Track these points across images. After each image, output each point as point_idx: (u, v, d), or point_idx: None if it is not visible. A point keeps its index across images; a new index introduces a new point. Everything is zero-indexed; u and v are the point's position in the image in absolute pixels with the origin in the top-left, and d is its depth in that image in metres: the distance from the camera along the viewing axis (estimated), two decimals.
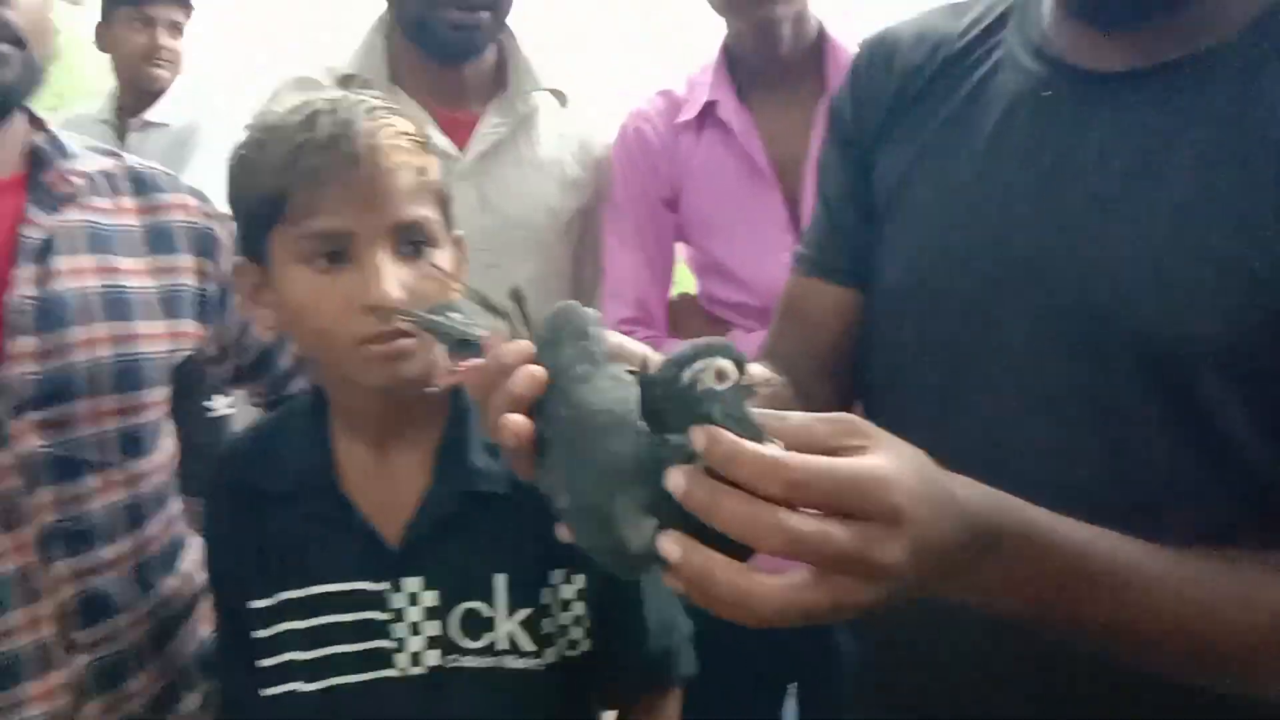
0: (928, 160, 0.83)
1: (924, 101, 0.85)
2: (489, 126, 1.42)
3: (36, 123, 1.04)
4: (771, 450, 0.48)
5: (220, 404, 2.19)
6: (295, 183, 0.84)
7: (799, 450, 0.49)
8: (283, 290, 0.89)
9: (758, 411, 0.51)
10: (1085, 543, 0.60)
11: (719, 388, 0.51)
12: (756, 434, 0.50)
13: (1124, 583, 0.61)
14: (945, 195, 0.81)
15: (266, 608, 0.94)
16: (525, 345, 0.61)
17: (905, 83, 0.86)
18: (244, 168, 0.90)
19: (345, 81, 1.39)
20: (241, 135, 0.92)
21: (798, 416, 0.52)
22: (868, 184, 0.88)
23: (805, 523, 0.47)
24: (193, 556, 1.14)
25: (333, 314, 0.86)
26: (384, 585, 0.91)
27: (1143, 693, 0.68)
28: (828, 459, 0.49)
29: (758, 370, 0.52)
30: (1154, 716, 0.70)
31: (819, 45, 1.41)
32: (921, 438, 0.64)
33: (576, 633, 0.95)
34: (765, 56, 1.39)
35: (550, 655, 0.93)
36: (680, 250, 1.53)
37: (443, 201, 0.92)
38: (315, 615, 0.92)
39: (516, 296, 0.67)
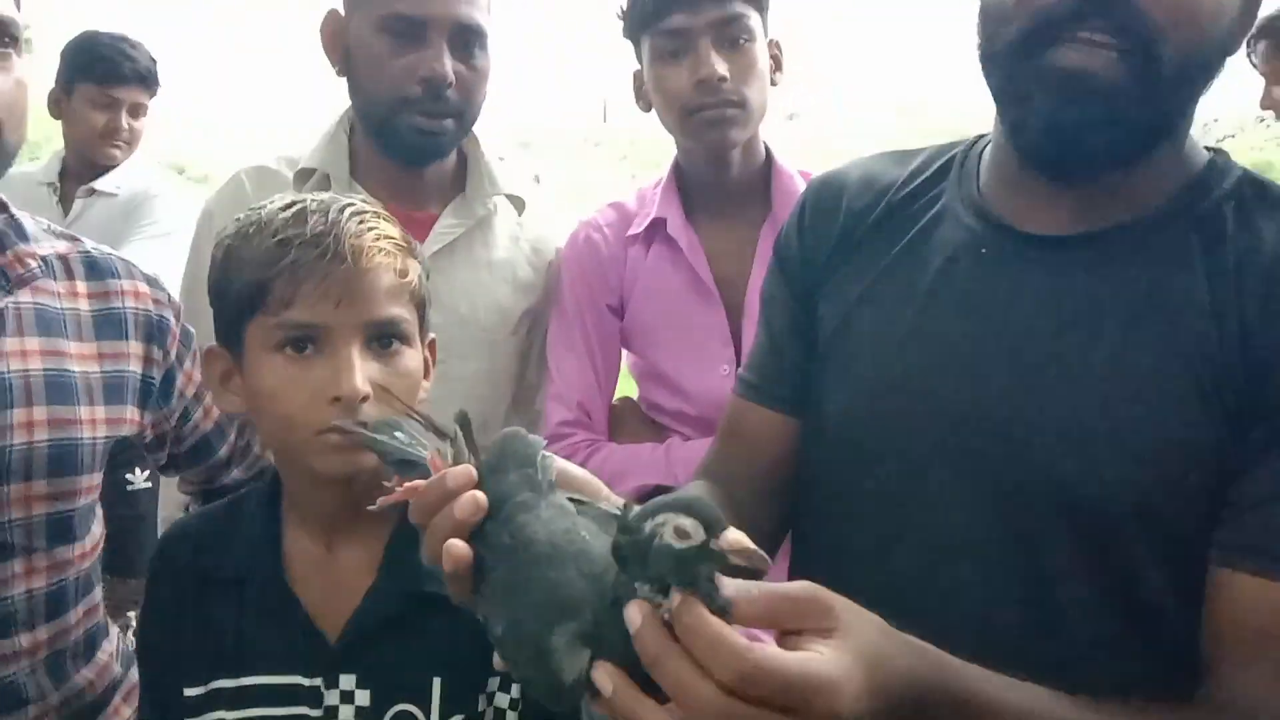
0: (867, 306, 0.87)
1: (867, 246, 0.89)
2: (445, 226, 1.45)
3: None
4: (734, 638, 0.50)
5: (139, 478, 2.15)
6: (277, 275, 0.88)
7: (760, 625, 0.52)
8: (254, 377, 0.92)
9: (729, 582, 0.53)
10: (998, 695, 0.62)
11: (677, 545, 0.52)
12: (723, 605, 0.52)
13: None
14: (881, 343, 0.84)
15: (199, 695, 0.93)
16: (468, 470, 0.64)
17: (850, 225, 0.90)
18: (229, 257, 0.93)
19: (303, 175, 1.42)
20: (229, 228, 0.95)
21: (764, 592, 0.53)
22: (811, 318, 0.92)
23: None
24: (110, 647, 1.12)
25: (300, 402, 0.89)
26: (318, 681, 0.91)
27: None
28: (782, 657, 0.51)
29: (734, 537, 0.52)
30: None
31: (766, 170, 1.48)
32: (852, 573, 0.68)
33: None
34: (715, 178, 1.45)
35: None
36: (623, 356, 1.57)
37: (420, 304, 0.96)
38: (247, 706, 0.92)
39: (463, 421, 0.71)
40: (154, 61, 2.51)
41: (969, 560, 0.77)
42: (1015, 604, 0.75)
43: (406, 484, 0.71)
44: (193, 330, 1.19)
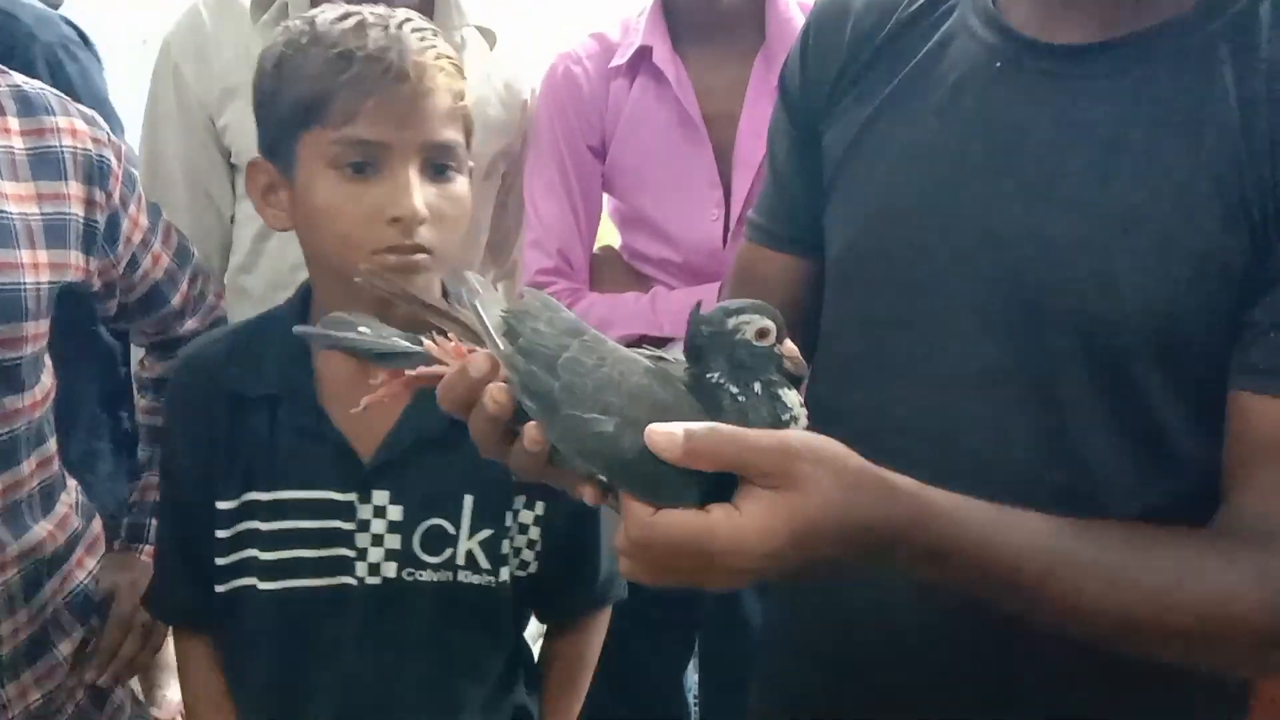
0: (877, 128, 0.81)
1: (875, 68, 0.83)
2: None
3: None
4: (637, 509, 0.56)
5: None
6: (339, 88, 0.86)
7: (723, 468, 0.55)
8: (307, 192, 0.90)
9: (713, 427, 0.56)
10: (985, 537, 0.61)
11: (758, 343, 0.58)
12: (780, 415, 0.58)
13: (1040, 569, 0.62)
14: (892, 165, 0.80)
15: (232, 508, 0.93)
16: (487, 357, 0.60)
17: (856, 49, 0.84)
18: (283, 68, 0.90)
19: (262, 5, 1.30)
20: (278, 37, 0.91)
21: (735, 442, 0.55)
22: (816, 152, 0.87)
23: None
24: (69, 499, 1.08)
25: (356, 220, 0.87)
26: (352, 496, 0.92)
27: (1062, 651, 0.68)
28: (672, 523, 0.55)
29: (790, 345, 0.59)
30: (1071, 673, 0.71)
31: None
32: (860, 405, 0.65)
33: (528, 555, 0.98)
34: (705, 4, 1.35)
35: (503, 574, 0.95)
36: (604, 203, 1.49)
37: (468, 129, 0.94)
38: (280, 519, 0.93)
39: (446, 309, 0.65)
40: None
41: (977, 391, 0.73)
42: (1027, 436, 0.71)
43: (416, 373, 0.65)
44: (136, 173, 1.10)
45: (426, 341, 0.65)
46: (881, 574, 0.63)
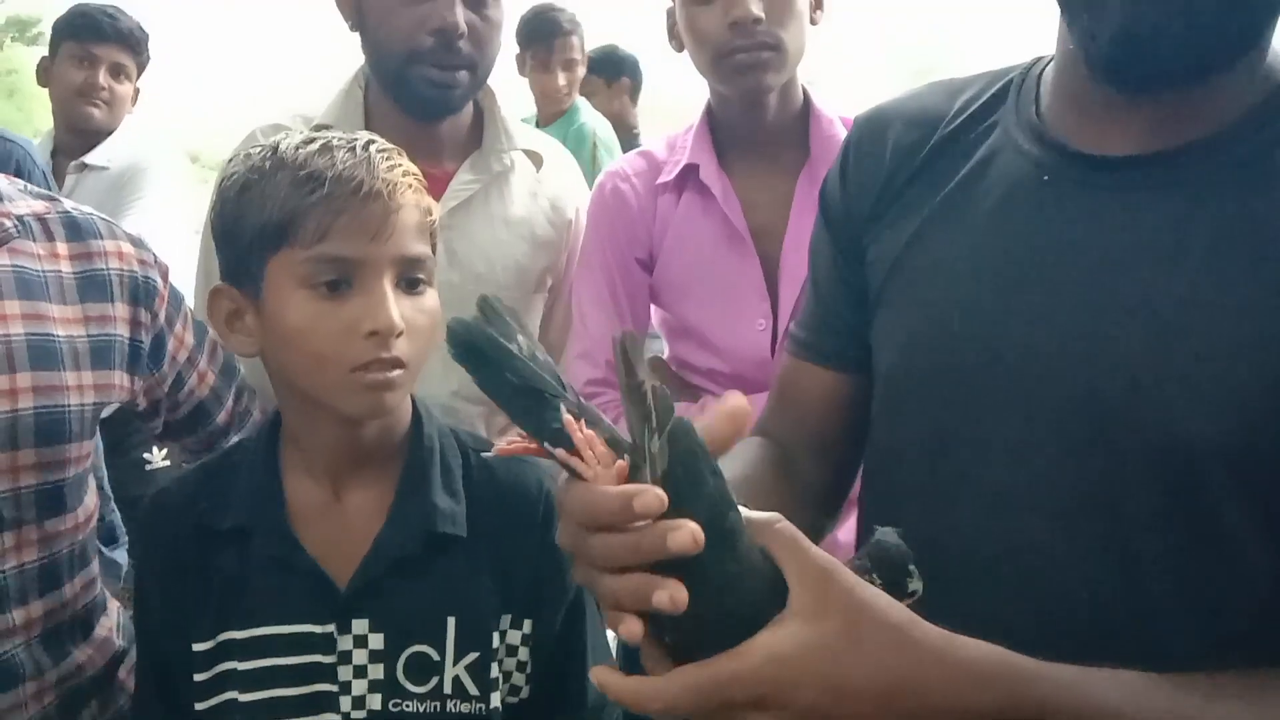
0: (923, 244, 0.81)
1: (918, 183, 0.83)
2: (461, 183, 1.41)
3: None
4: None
5: (156, 457, 2.11)
6: (310, 208, 0.87)
7: None
8: (278, 314, 0.89)
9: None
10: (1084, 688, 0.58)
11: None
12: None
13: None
14: (940, 280, 0.79)
15: (208, 649, 0.91)
16: (661, 497, 0.52)
17: (899, 164, 0.85)
18: (247, 194, 0.90)
19: (319, 131, 1.36)
20: (237, 165, 0.92)
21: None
22: (859, 267, 0.86)
23: None
24: (109, 622, 1.07)
25: (332, 337, 0.87)
26: (330, 627, 0.90)
27: None
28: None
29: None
30: None
31: (804, 114, 1.40)
32: (915, 531, 0.64)
33: (519, 678, 0.95)
34: (749, 123, 1.38)
35: (494, 700, 0.92)
36: (658, 318, 1.50)
37: (434, 244, 0.95)
38: (259, 657, 0.90)
39: (663, 405, 0.54)
40: (141, 29, 2.47)
41: (1038, 511, 0.71)
42: (1089, 557, 0.69)
43: (556, 450, 0.56)
44: (182, 293, 1.13)
45: (567, 417, 0.55)
46: None
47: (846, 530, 1.00)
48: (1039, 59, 0.84)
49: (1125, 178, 0.72)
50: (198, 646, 0.91)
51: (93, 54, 2.39)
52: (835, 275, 0.90)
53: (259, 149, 0.92)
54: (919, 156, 0.84)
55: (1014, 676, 0.57)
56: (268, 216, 0.88)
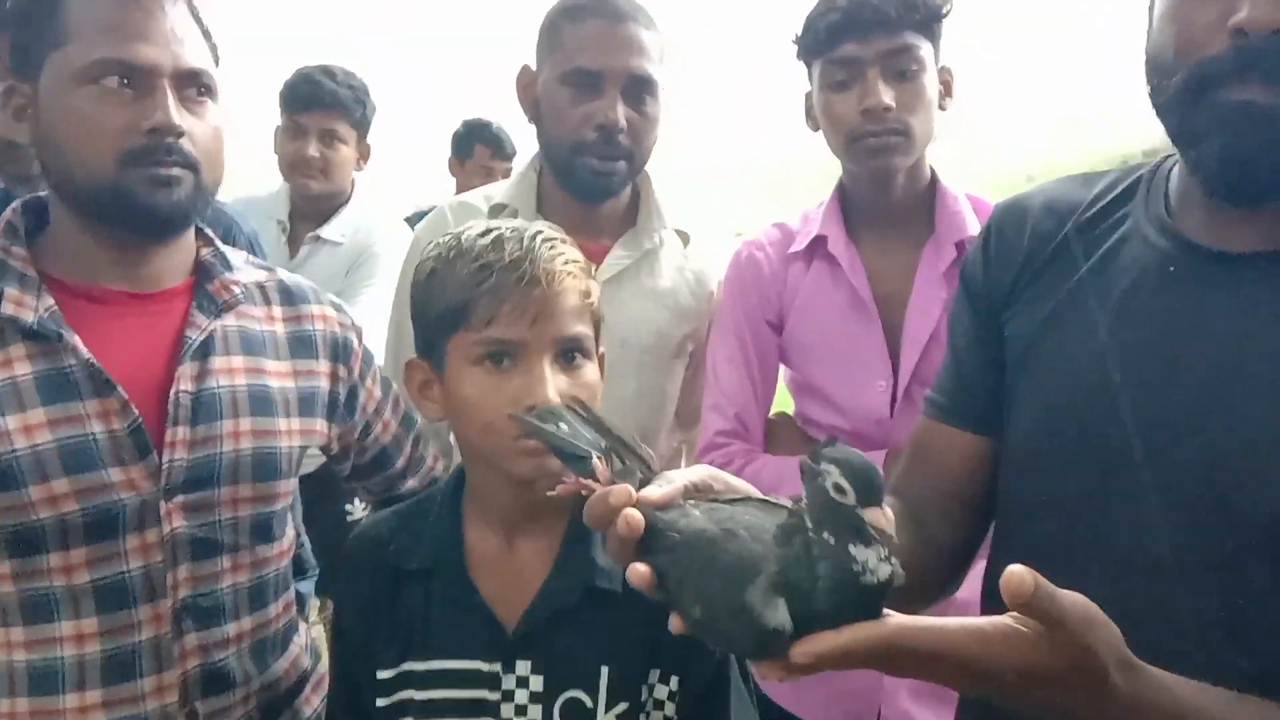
0: (1059, 323, 0.87)
1: (1053, 268, 0.90)
2: (616, 257, 1.55)
3: (204, 237, 1.15)
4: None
5: (358, 509, 2.26)
6: (480, 296, 0.96)
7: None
8: (456, 387, 0.99)
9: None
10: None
11: (834, 496, 0.61)
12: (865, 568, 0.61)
13: None
14: (1075, 358, 0.85)
15: (391, 677, 1.00)
16: (627, 490, 0.70)
17: (1036, 248, 0.91)
18: (432, 278, 1.01)
19: (497, 210, 1.55)
20: (429, 251, 1.03)
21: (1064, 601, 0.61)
22: (998, 339, 0.93)
23: None
24: (300, 641, 1.20)
25: (498, 410, 0.95)
26: (497, 666, 0.97)
27: None
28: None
29: (875, 514, 0.60)
30: None
31: (930, 191, 1.48)
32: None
33: None
34: (877, 199, 1.46)
35: None
36: (781, 373, 1.59)
37: (596, 322, 1.03)
38: (434, 688, 0.99)
39: (620, 439, 0.78)
40: (354, 87, 2.39)
41: (1161, 575, 0.76)
42: (1208, 621, 0.74)
43: (580, 480, 0.78)
44: (373, 353, 1.27)
45: (595, 460, 0.77)
46: None
47: (968, 589, 1.03)
48: (1167, 157, 0.90)
49: (1246, 273, 0.78)
50: (382, 674, 1.00)
51: (300, 124, 2.34)
52: (976, 345, 0.96)
53: (446, 238, 1.03)
54: (1055, 242, 0.91)
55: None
56: (447, 302, 0.98)
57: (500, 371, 0.98)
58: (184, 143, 1.02)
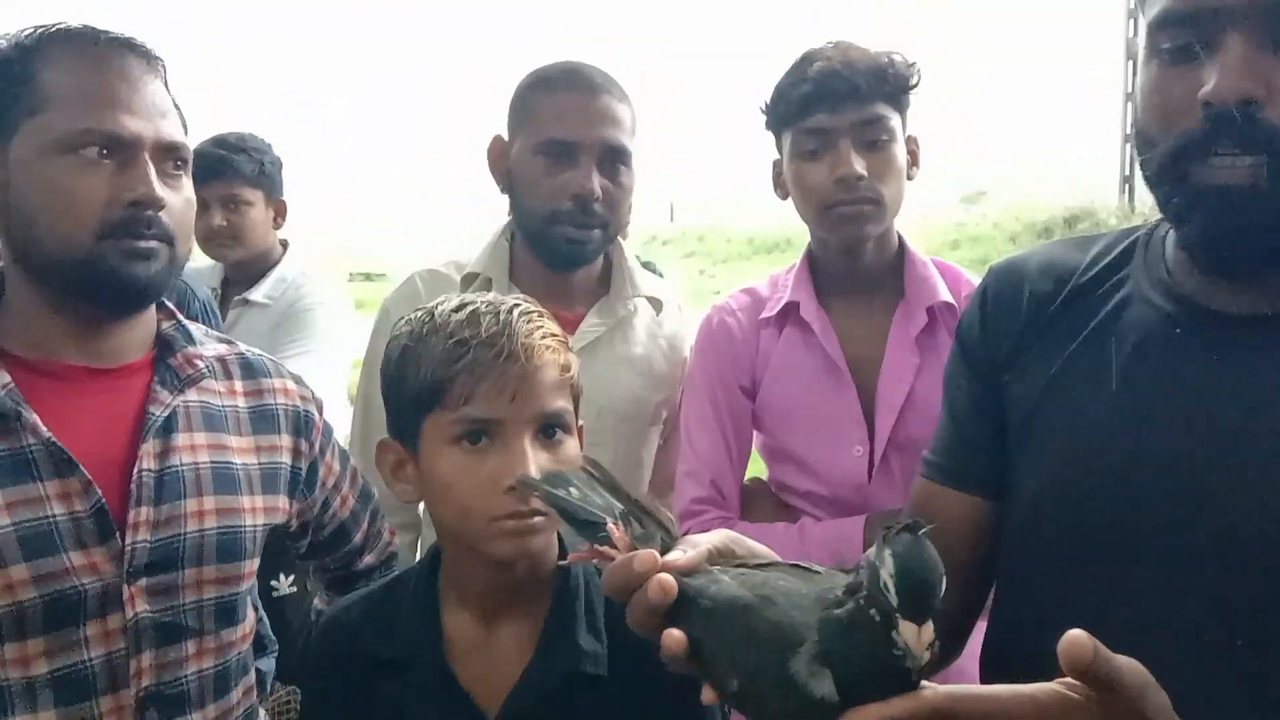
0: (1062, 387, 0.87)
1: (1053, 330, 0.90)
2: (590, 325, 1.55)
3: (164, 310, 1.11)
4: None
5: (283, 584, 2.19)
6: (456, 374, 0.92)
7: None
8: (431, 468, 0.95)
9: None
10: None
11: (889, 593, 0.58)
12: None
13: None
14: (1080, 422, 0.84)
15: None
16: (653, 556, 0.67)
17: (1035, 310, 0.91)
18: (407, 357, 0.97)
19: (469, 279, 1.53)
20: (400, 327, 0.99)
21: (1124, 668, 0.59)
22: (998, 401, 0.92)
23: None
24: None
25: (477, 491, 0.93)
26: None
27: None
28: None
29: (911, 634, 0.58)
30: None
31: (899, 257, 1.49)
32: (1049, 660, 0.67)
33: None
34: (848, 265, 1.47)
35: None
36: (758, 441, 1.57)
37: (575, 396, 1.00)
38: None
39: (637, 502, 0.75)
40: (246, 147, 2.38)
41: (1178, 645, 0.74)
42: (1229, 693, 0.73)
43: (596, 548, 0.74)
44: (333, 425, 1.24)
45: (610, 525, 0.73)
46: None
47: (968, 657, 1.01)
48: (1162, 220, 0.91)
49: (1250, 335, 0.79)
50: None
51: (202, 198, 2.21)
52: (975, 407, 0.95)
53: (419, 313, 1.00)
54: (1054, 305, 0.91)
55: None
56: (422, 380, 0.94)
57: (478, 450, 0.94)
58: (163, 216, 1.00)
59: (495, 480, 0.92)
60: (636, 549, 0.70)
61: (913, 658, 0.58)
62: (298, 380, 1.21)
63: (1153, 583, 0.78)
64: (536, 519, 0.92)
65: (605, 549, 0.73)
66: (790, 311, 1.51)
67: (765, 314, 1.52)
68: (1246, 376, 0.78)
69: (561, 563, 0.93)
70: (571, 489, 0.79)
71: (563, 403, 0.98)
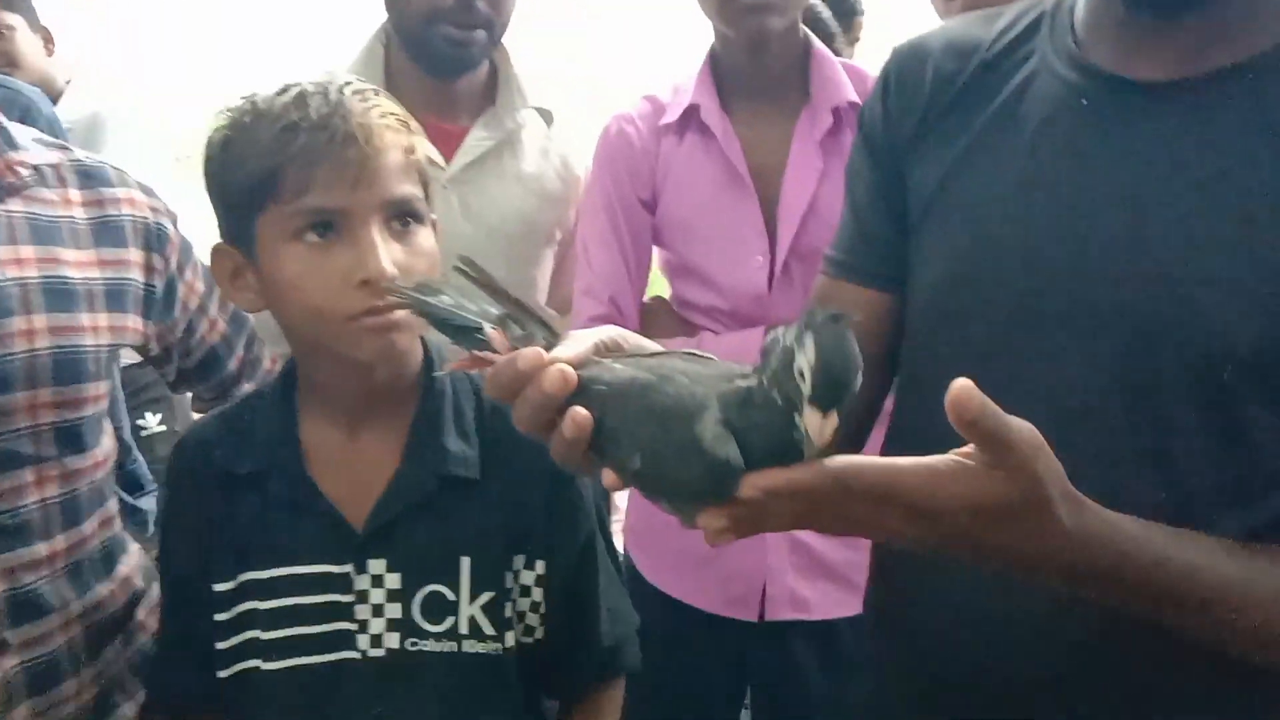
0: (966, 167, 0.82)
1: (958, 110, 0.84)
2: (475, 139, 1.44)
3: None
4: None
5: (152, 423, 2.14)
6: (288, 162, 0.83)
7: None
8: (272, 270, 0.87)
9: None
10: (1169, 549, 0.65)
11: (796, 380, 0.56)
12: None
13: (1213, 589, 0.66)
14: (984, 201, 0.80)
15: (229, 589, 0.91)
16: (538, 353, 0.63)
17: (939, 90, 0.85)
18: (230, 151, 0.87)
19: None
20: (215, 120, 0.89)
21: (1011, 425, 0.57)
22: (900, 189, 0.87)
23: None
24: (131, 562, 1.09)
25: (326, 290, 0.85)
26: (347, 567, 0.90)
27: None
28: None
29: (815, 421, 0.56)
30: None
31: (805, 57, 1.39)
32: (954, 442, 0.64)
33: (533, 619, 0.95)
34: (751, 66, 1.37)
35: (509, 640, 0.92)
36: (656, 255, 1.50)
37: (425, 181, 0.91)
38: (278, 596, 0.91)
39: (517, 302, 0.69)
40: None
41: (1081, 421, 0.72)
42: (1129, 463, 0.71)
43: (475, 354, 0.69)
44: (191, 242, 1.13)
45: (489, 329, 0.69)
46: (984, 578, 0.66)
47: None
48: None
49: (1163, 101, 0.73)
50: (219, 587, 0.91)
51: None
52: (877, 198, 0.90)
53: (239, 102, 0.89)
54: (959, 81, 0.84)
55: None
56: (250, 173, 0.85)
57: (323, 245, 0.85)
58: None
59: (345, 276, 0.84)
60: (518, 350, 0.65)
61: (810, 445, 0.56)
62: (147, 190, 1.09)
63: (1060, 362, 0.74)
64: (397, 313, 0.85)
65: (484, 354, 0.68)
66: (692, 116, 1.41)
67: (665, 119, 1.43)
68: (1157, 145, 0.73)
69: (436, 374, 0.87)
70: (443, 296, 0.73)
71: (411, 188, 0.89)
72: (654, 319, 1.49)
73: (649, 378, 0.61)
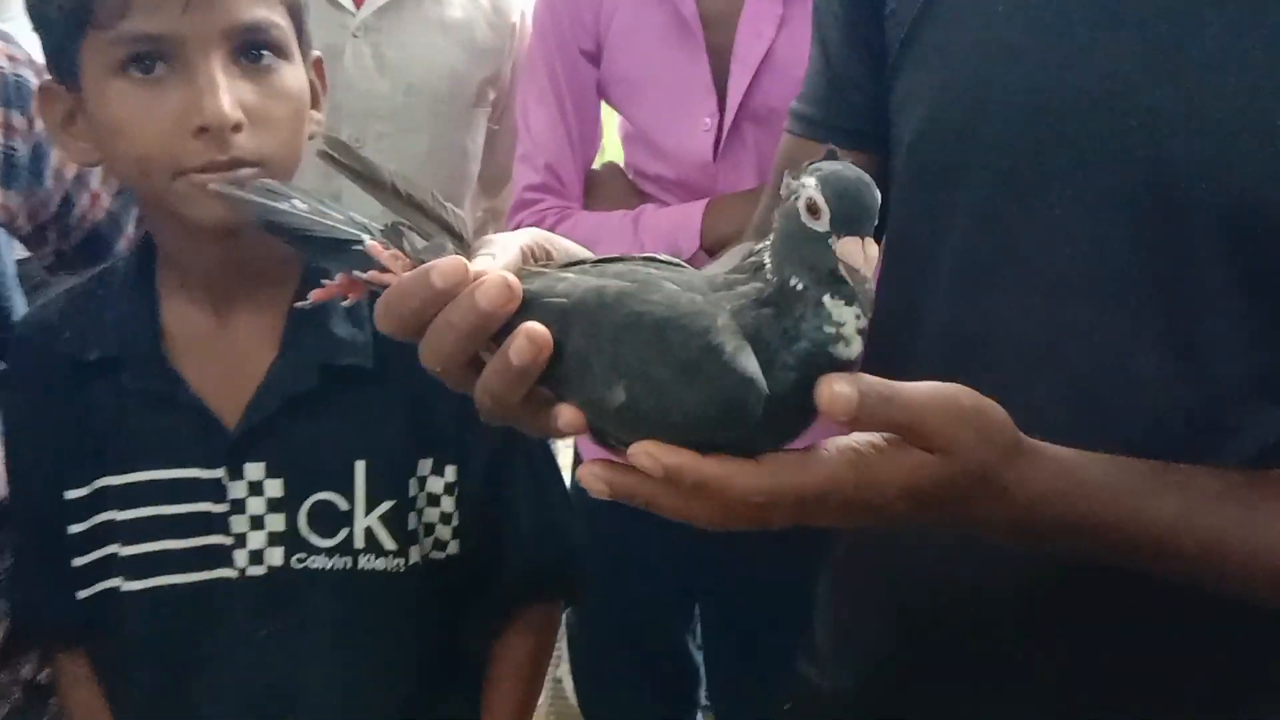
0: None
1: None
2: None
3: None
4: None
5: None
6: None
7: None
8: (97, 108, 0.71)
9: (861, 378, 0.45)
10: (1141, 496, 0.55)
11: (804, 219, 0.44)
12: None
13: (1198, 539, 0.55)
14: (974, 32, 0.65)
15: (82, 497, 0.79)
16: (459, 262, 0.47)
17: None
18: None
19: None
20: None
21: (892, 401, 0.47)
22: (877, 26, 0.72)
23: None
24: None
25: (154, 135, 0.71)
26: (219, 472, 0.79)
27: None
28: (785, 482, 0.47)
29: (852, 248, 0.44)
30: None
31: None
32: (947, 321, 0.58)
33: (444, 532, 0.84)
34: None
35: (414, 555, 0.82)
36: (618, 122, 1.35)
37: (294, 9, 0.75)
38: (139, 505, 0.79)
39: (410, 198, 0.53)
40: None
41: (1091, 296, 0.61)
42: (1150, 348, 0.60)
43: (353, 276, 0.53)
44: None
45: (369, 242, 0.52)
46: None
47: None
48: None
49: None
50: (71, 494, 0.80)
51: None
52: (849, 37, 0.76)
53: None
54: None
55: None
56: None
57: (152, 81, 0.71)
58: None
59: (178, 120, 0.70)
60: (432, 263, 0.48)
61: (856, 277, 0.43)
62: (4, 36, 0.93)
63: (1067, 217, 0.61)
64: (244, 170, 0.71)
65: (371, 275, 0.52)
66: None
67: None
68: None
69: (299, 304, 0.69)
70: (295, 200, 0.56)
71: (265, 12, 0.73)
72: (606, 188, 1.35)
73: (625, 285, 0.47)
